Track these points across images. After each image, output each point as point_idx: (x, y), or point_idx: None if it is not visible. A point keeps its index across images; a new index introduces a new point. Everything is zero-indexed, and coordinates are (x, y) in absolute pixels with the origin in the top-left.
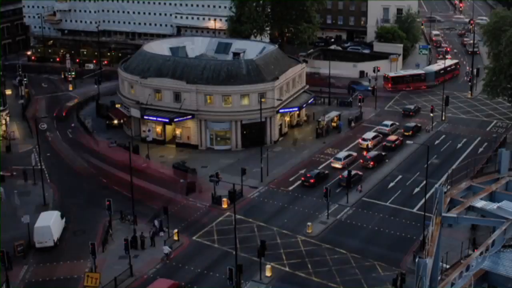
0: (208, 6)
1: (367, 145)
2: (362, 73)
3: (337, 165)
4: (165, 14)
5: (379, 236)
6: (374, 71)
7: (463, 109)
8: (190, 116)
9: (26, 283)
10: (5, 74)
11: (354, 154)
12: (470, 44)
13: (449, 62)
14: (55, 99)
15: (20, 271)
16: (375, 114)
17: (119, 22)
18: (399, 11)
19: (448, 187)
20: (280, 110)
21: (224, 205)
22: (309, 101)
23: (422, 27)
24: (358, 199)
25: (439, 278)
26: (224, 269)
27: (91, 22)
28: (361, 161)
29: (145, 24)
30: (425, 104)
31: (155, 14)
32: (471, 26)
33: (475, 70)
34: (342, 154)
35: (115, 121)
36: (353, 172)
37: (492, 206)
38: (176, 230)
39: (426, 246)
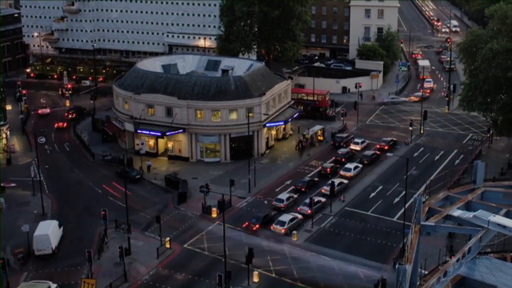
0: (198, 25)
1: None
2: (344, 89)
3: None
4: (158, 33)
5: (361, 243)
6: (356, 87)
7: (440, 123)
8: (181, 130)
9: None
10: (6, 90)
11: (300, 216)
12: (447, 61)
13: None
14: (53, 114)
15: (20, 278)
16: (357, 128)
17: (113, 41)
18: (380, 30)
19: (427, 197)
20: (267, 124)
21: (214, 214)
22: (294, 116)
23: (401, 45)
24: (341, 208)
25: (418, 283)
26: (214, 275)
27: (87, 41)
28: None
29: (138, 42)
30: (404, 118)
31: (148, 33)
32: (448, 44)
33: (452, 86)
34: (285, 217)
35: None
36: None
37: (468, 215)
38: (168, 238)
39: (405, 253)
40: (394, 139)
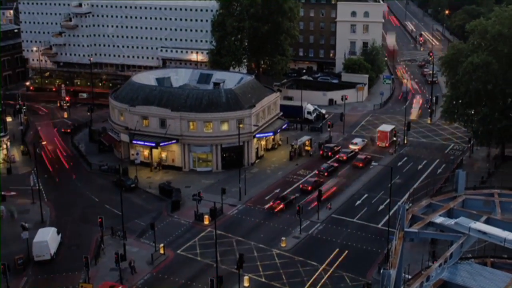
0: (191, 40)
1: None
2: (331, 101)
3: None
4: (152, 48)
5: (347, 249)
6: (342, 99)
7: (423, 134)
8: (174, 141)
9: None
10: (5, 102)
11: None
12: (429, 75)
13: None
14: (51, 125)
15: (20, 282)
16: (343, 139)
17: (110, 55)
18: (365, 44)
19: (410, 204)
20: (257, 135)
21: (206, 222)
22: (283, 127)
23: (385, 59)
24: (328, 215)
25: (402, 287)
26: (206, 280)
27: (84, 55)
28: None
29: (133, 57)
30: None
31: (142, 48)
32: (430, 58)
33: (434, 98)
34: None
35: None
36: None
37: (450, 222)
38: (162, 245)
39: (390, 259)
40: (368, 156)
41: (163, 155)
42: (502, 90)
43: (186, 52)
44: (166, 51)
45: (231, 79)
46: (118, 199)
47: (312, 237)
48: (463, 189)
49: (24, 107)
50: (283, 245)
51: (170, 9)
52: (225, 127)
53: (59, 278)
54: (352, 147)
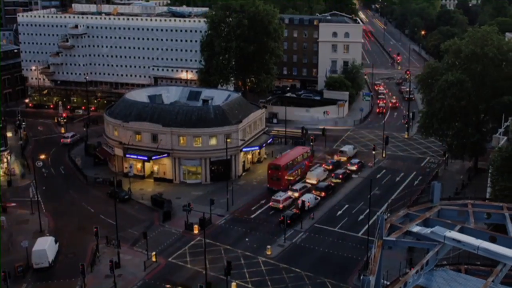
0: (181, 59)
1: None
2: (313, 117)
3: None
4: (144, 67)
5: (329, 257)
6: (324, 114)
7: (401, 148)
8: (166, 155)
9: None
10: (6, 118)
11: None
12: (406, 92)
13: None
14: (49, 140)
15: None
16: (324, 152)
17: (104, 74)
18: (345, 63)
19: (388, 214)
20: (243, 149)
21: (195, 231)
22: (268, 141)
23: (365, 77)
24: (311, 225)
25: None
26: (196, 286)
27: (80, 74)
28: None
29: (126, 75)
30: (368, 143)
31: (135, 67)
32: (407, 76)
33: (411, 114)
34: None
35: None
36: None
37: (426, 231)
38: (154, 253)
39: (369, 266)
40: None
41: (155, 168)
42: (475, 106)
43: (177, 70)
44: (158, 70)
45: (219, 96)
46: (113, 210)
47: (296, 245)
48: (438, 200)
49: (23, 123)
50: (268, 253)
51: (161, 30)
52: (213, 141)
53: (57, 284)
54: (339, 157)
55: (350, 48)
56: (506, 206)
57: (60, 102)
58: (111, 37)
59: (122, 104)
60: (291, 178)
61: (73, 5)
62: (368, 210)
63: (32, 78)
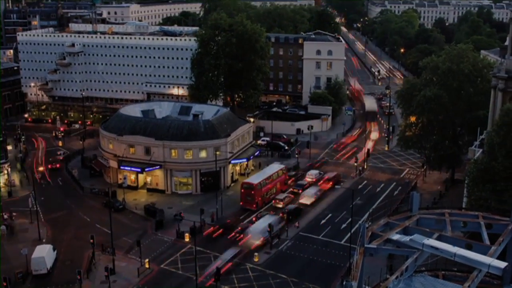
0: (173, 76)
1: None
2: (298, 131)
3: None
4: (137, 83)
5: (314, 263)
6: (308, 129)
7: (381, 159)
8: (158, 166)
9: None
10: (6, 132)
11: None
12: (386, 106)
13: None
14: (47, 153)
15: None
16: (309, 163)
17: (100, 90)
18: (329, 79)
19: (370, 223)
20: (232, 161)
21: (186, 239)
22: (256, 154)
23: (347, 92)
24: (296, 233)
25: None
26: None
27: (77, 90)
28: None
29: (121, 91)
30: (351, 155)
31: (129, 83)
32: (387, 92)
33: (391, 128)
34: None
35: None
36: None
37: (405, 238)
38: (147, 260)
39: (352, 272)
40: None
41: (148, 179)
42: (451, 120)
43: (169, 87)
44: (150, 86)
45: (209, 111)
46: (108, 219)
47: (282, 252)
48: (417, 209)
49: (23, 137)
50: (256, 259)
51: (154, 48)
52: (203, 154)
53: None
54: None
55: (333, 65)
56: (481, 215)
57: (58, 117)
58: (106, 55)
59: (117, 119)
60: (266, 197)
61: (70, 24)
62: (350, 219)
63: (31, 94)
